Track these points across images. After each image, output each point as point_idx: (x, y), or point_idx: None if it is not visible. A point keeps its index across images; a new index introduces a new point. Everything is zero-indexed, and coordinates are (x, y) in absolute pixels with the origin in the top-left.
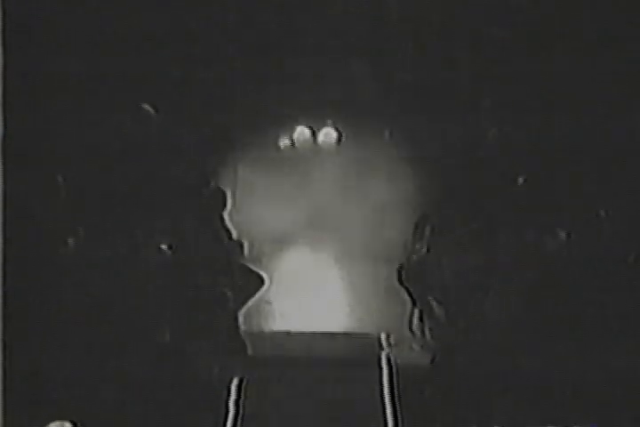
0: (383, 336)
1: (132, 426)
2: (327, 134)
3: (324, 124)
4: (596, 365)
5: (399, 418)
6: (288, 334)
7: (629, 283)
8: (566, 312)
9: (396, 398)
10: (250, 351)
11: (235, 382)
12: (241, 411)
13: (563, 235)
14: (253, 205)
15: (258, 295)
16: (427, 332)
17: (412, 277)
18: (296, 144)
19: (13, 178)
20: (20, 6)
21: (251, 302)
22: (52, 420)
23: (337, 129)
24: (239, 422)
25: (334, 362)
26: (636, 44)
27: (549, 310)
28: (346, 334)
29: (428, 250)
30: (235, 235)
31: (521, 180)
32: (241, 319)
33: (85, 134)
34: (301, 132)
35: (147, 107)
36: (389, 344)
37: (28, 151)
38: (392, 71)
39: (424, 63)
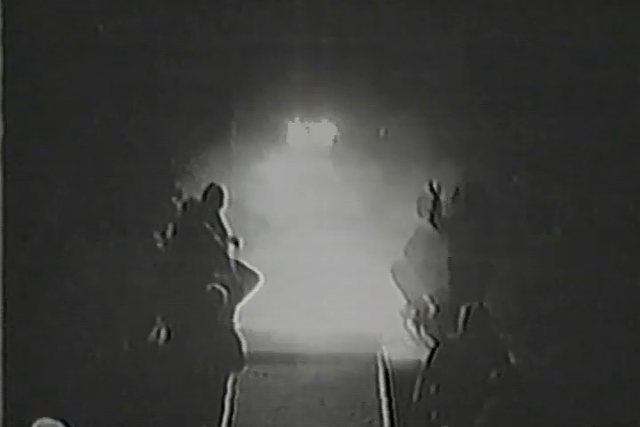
0: (378, 335)
1: (127, 424)
2: (322, 131)
3: (319, 121)
4: (595, 363)
5: (395, 415)
6: (283, 331)
7: (626, 280)
8: (563, 309)
9: (392, 396)
10: (245, 349)
11: (230, 379)
12: (236, 408)
13: (558, 232)
14: (250, 202)
15: (253, 293)
16: (421, 330)
17: (406, 275)
18: (291, 140)
19: (13, 178)
20: (20, 7)
21: (246, 300)
22: (39, 417)
23: (332, 125)
24: (234, 420)
25: (330, 360)
26: (634, 43)
27: (545, 307)
28: (341, 332)
29: (422, 248)
30: (230, 232)
31: (515, 178)
32: (237, 317)
33: (83, 134)
34: (296, 128)
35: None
36: (385, 342)
37: (27, 151)
38: (390, 70)
39: (420, 62)
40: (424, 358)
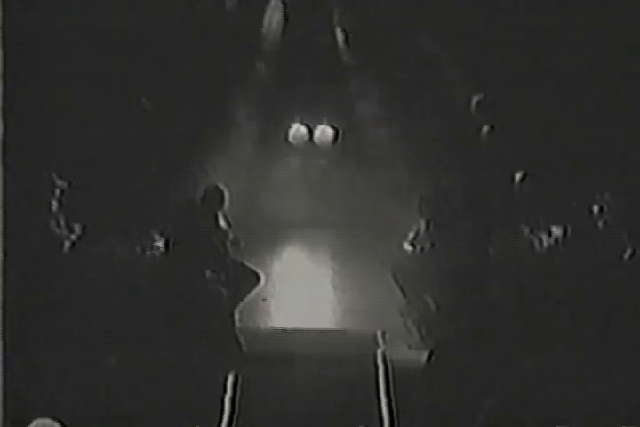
0: (379, 334)
1: (127, 424)
2: (323, 132)
3: (321, 121)
4: (593, 363)
5: (395, 415)
6: (283, 331)
7: (625, 279)
8: (562, 309)
9: (392, 396)
10: (245, 349)
11: (230, 379)
12: (236, 408)
13: (558, 232)
14: (250, 203)
15: (253, 292)
16: (422, 329)
17: (406, 275)
18: (292, 141)
19: (13, 178)
20: (20, 6)
21: (246, 300)
22: (38, 416)
23: (333, 126)
24: (234, 420)
25: (330, 359)
26: (635, 42)
27: (545, 308)
28: (341, 332)
29: (422, 248)
30: (231, 232)
31: (517, 177)
32: (237, 316)
33: (83, 134)
34: (298, 129)
35: (144, 101)
36: (385, 342)
37: (27, 151)
38: (388, 69)
39: (420, 60)
40: (424, 358)
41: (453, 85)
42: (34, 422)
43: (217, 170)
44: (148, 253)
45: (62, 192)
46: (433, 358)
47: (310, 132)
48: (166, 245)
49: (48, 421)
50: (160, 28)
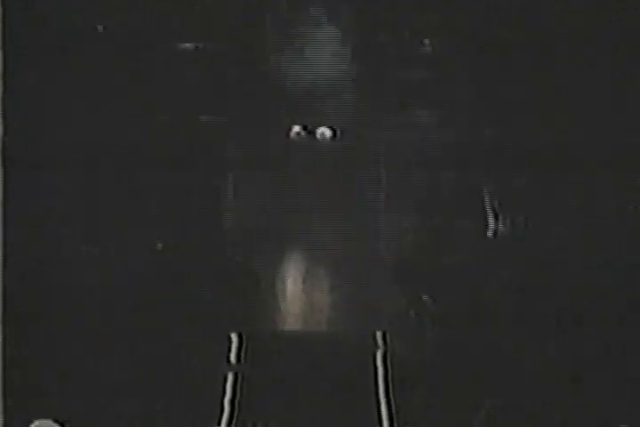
0: (379, 334)
1: (125, 425)
2: (323, 133)
3: (322, 121)
4: (595, 363)
5: (394, 416)
6: (284, 332)
7: (628, 280)
8: (564, 309)
9: (391, 396)
10: (245, 349)
11: (230, 379)
12: (236, 409)
13: (557, 231)
14: (250, 204)
15: (254, 293)
16: (422, 329)
17: (406, 275)
18: (292, 142)
19: (13, 178)
20: (20, 6)
21: (247, 302)
22: (39, 418)
23: (332, 128)
24: (234, 420)
25: (329, 359)
26: (636, 44)
27: (546, 307)
28: (341, 332)
29: (424, 248)
30: (231, 234)
31: (517, 177)
32: (237, 316)
33: (84, 134)
34: (297, 130)
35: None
36: (385, 342)
37: (28, 151)
38: (388, 69)
39: (420, 61)
40: (424, 357)
41: (453, 86)
42: (35, 423)
43: (217, 171)
44: (147, 253)
45: (63, 192)
46: (433, 357)
47: (310, 133)
48: (166, 245)
49: (48, 422)
50: (160, 27)
